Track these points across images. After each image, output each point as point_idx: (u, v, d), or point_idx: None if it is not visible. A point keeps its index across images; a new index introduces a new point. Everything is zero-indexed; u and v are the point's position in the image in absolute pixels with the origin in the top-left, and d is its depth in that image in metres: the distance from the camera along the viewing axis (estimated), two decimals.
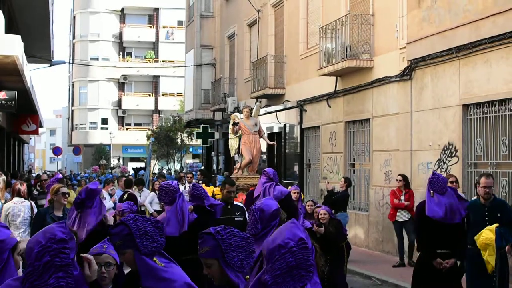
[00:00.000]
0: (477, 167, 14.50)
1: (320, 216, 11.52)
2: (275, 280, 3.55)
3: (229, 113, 29.26)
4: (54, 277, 3.83)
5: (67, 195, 9.52)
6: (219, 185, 20.53)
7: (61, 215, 9.20)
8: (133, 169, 42.83)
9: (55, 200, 9.34)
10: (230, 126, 18.57)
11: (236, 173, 18.19)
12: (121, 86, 71.40)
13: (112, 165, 54.25)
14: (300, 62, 24.56)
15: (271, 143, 21.24)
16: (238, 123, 18.07)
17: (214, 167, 37.80)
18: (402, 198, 15.90)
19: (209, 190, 17.63)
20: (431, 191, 8.73)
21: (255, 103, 22.14)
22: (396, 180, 16.16)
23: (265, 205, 5.55)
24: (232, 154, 20.12)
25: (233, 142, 19.33)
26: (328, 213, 11.72)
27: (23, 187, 11.03)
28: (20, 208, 10.51)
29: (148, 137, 56.67)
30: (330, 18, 21.16)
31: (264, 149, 26.99)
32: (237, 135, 18.69)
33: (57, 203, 9.34)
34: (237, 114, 19.13)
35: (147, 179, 24.08)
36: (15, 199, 10.73)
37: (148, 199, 17.93)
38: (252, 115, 18.49)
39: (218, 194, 17.17)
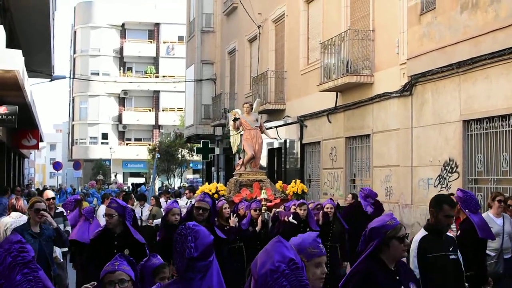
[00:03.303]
0: (477, 183, 14.46)
1: (327, 210, 12.56)
2: None
3: (229, 128, 29.26)
4: (21, 274, 3.91)
5: (41, 212, 8.93)
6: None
7: (38, 231, 8.88)
8: (132, 184, 42.70)
9: (30, 216, 8.92)
10: (231, 122, 18.37)
11: (239, 169, 18.01)
12: (121, 101, 71.49)
13: (110, 181, 54.25)
14: (300, 78, 24.57)
15: (273, 137, 21.08)
16: (238, 118, 17.91)
17: (215, 182, 37.74)
18: (453, 226, 11.43)
19: (213, 186, 17.44)
20: (466, 210, 8.51)
21: (257, 99, 22.05)
22: None
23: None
24: (234, 151, 19.94)
25: (234, 139, 19.11)
26: (334, 207, 12.52)
27: (19, 202, 11.00)
28: (19, 222, 10.44)
29: (150, 152, 56.68)
30: (330, 33, 21.18)
31: (264, 163, 26.97)
32: (238, 132, 18.52)
33: (32, 218, 8.89)
34: (238, 110, 18.95)
35: (150, 195, 24.03)
36: (13, 214, 10.67)
37: (144, 215, 17.90)
38: (253, 110, 18.36)
39: (222, 190, 17.05)
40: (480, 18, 13.90)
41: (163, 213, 18.50)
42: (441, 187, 15.35)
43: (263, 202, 13.34)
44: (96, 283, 7.83)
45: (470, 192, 8.92)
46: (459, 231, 9.37)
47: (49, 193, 12.37)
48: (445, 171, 15.32)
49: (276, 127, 26.20)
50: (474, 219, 8.43)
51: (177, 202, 11.54)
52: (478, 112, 14.22)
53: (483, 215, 10.11)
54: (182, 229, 4.53)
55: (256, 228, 12.26)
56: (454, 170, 14.98)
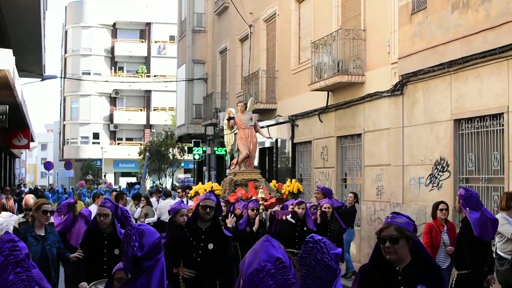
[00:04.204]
0: (469, 182, 14.49)
1: (325, 210, 12.38)
2: None
3: (220, 127, 29.25)
4: (13, 273, 3.89)
5: (48, 214, 8.81)
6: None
7: (43, 234, 8.65)
8: (128, 183, 42.54)
9: (36, 218, 8.68)
10: (225, 121, 18.26)
11: (234, 169, 17.92)
12: (112, 100, 71.38)
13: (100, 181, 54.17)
14: (291, 77, 24.57)
15: (268, 136, 20.94)
16: (233, 117, 17.81)
17: (210, 181, 37.69)
18: (446, 235, 11.34)
19: (208, 186, 17.37)
20: (467, 208, 8.44)
21: (249, 98, 22.02)
22: (441, 210, 11.44)
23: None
24: (228, 150, 19.84)
25: (228, 138, 18.98)
26: (332, 207, 12.53)
27: (9, 202, 10.95)
28: (9, 222, 10.42)
29: (141, 152, 56.59)
30: (321, 33, 21.19)
31: (256, 163, 26.97)
32: (232, 131, 18.42)
33: (37, 220, 8.67)
34: (232, 109, 18.84)
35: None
36: (3, 213, 10.66)
37: (137, 213, 17.94)
38: (247, 109, 18.25)
39: (217, 190, 16.97)
40: (471, 17, 13.93)
41: (154, 212, 18.64)
42: (432, 186, 15.38)
43: (260, 202, 13.30)
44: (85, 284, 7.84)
45: (472, 190, 8.85)
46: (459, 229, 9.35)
47: (30, 199, 11.53)
48: (436, 170, 15.35)
49: (268, 126, 26.18)
50: (473, 217, 8.37)
51: (183, 202, 11.43)
52: (469, 111, 14.24)
53: (497, 216, 9.78)
54: (127, 230, 4.51)
55: (253, 228, 12.25)
56: (445, 169, 15.01)
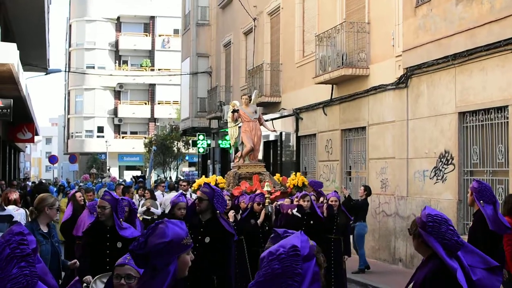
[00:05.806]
0: (473, 174, 14.49)
1: (332, 203, 12.56)
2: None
3: (225, 121, 29.25)
4: (17, 267, 3.88)
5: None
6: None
7: (47, 230, 8.03)
8: (134, 177, 42.59)
9: (46, 214, 7.98)
10: (230, 113, 18.17)
11: (238, 162, 17.87)
12: (117, 94, 71.34)
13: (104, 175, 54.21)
14: (296, 70, 24.56)
15: (272, 129, 20.85)
16: (237, 110, 17.76)
17: (211, 175, 37.66)
18: None
19: (212, 179, 17.36)
20: (481, 201, 8.23)
21: (253, 91, 21.99)
22: None
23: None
24: (232, 143, 19.77)
25: (232, 131, 18.87)
26: (338, 200, 12.55)
27: (16, 195, 10.92)
28: (16, 215, 10.40)
29: (146, 145, 56.63)
30: (326, 26, 21.18)
31: (260, 156, 26.96)
32: (236, 124, 18.35)
33: (46, 217, 8.00)
34: (236, 102, 18.79)
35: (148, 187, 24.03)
36: (10, 207, 10.64)
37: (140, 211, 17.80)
38: (251, 102, 18.20)
39: (222, 183, 16.96)
40: (475, 10, 13.91)
41: (158, 205, 18.60)
42: (437, 179, 15.38)
43: (266, 195, 13.28)
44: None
45: (486, 183, 8.64)
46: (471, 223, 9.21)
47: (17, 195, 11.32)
48: (440, 163, 15.35)
49: (272, 119, 26.18)
50: (487, 210, 8.19)
51: (184, 195, 11.38)
52: (474, 104, 14.24)
53: None
54: (155, 222, 4.31)
55: (258, 221, 12.25)
56: (449, 162, 15.01)
